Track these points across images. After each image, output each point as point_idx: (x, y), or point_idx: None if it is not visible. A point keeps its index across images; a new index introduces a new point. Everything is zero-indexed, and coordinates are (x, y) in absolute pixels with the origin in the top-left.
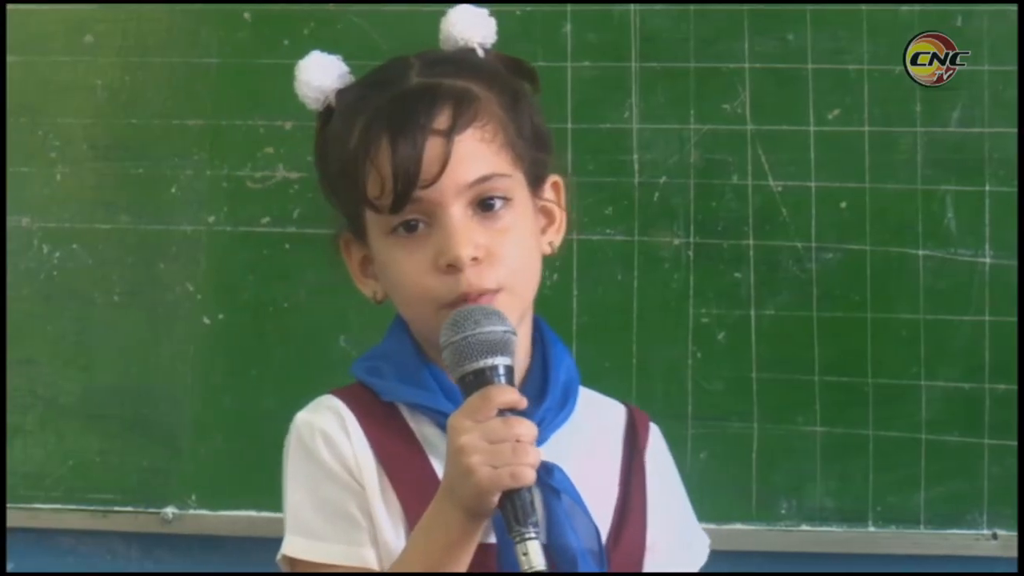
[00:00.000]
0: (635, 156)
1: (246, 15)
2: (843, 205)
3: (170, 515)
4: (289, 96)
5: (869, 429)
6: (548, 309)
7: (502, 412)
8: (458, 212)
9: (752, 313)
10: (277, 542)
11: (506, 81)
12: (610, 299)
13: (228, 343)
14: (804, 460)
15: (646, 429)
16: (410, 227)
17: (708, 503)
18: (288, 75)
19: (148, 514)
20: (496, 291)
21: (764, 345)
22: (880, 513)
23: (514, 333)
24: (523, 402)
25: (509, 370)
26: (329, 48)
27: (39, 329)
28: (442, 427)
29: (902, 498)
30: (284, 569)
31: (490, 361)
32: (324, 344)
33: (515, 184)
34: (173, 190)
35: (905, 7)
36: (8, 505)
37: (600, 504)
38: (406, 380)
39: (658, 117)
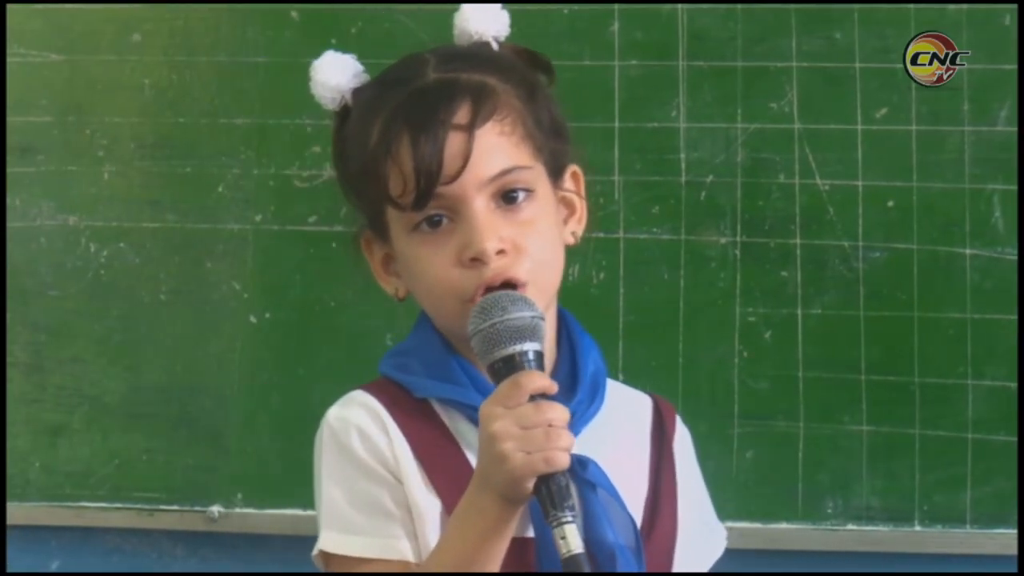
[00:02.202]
0: (682, 155)
1: (293, 14)
2: (890, 204)
3: (216, 514)
4: None
5: (916, 428)
6: (594, 307)
7: (533, 398)
8: (481, 205)
9: (799, 312)
10: None
11: (523, 73)
12: (657, 298)
13: (275, 342)
14: (850, 459)
15: (673, 419)
16: (433, 223)
17: (754, 502)
18: None
19: (194, 512)
20: (523, 284)
21: (811, 344)
22: (926, 512)
23: (542, 318)
24: (554, 387)
25: (539, 355)
26: (376, 47)
27: (86, 328)
28: (474, 421)
29: (948, 497)
30: (319, 566)
31: (519, 347)
32: (371, 343)
33: (536, 176)
34: (220, 189)
35: (953, 6)
36: (54, 503)
37: (631, 497)
38: (436, 376)
39: (705, 116)
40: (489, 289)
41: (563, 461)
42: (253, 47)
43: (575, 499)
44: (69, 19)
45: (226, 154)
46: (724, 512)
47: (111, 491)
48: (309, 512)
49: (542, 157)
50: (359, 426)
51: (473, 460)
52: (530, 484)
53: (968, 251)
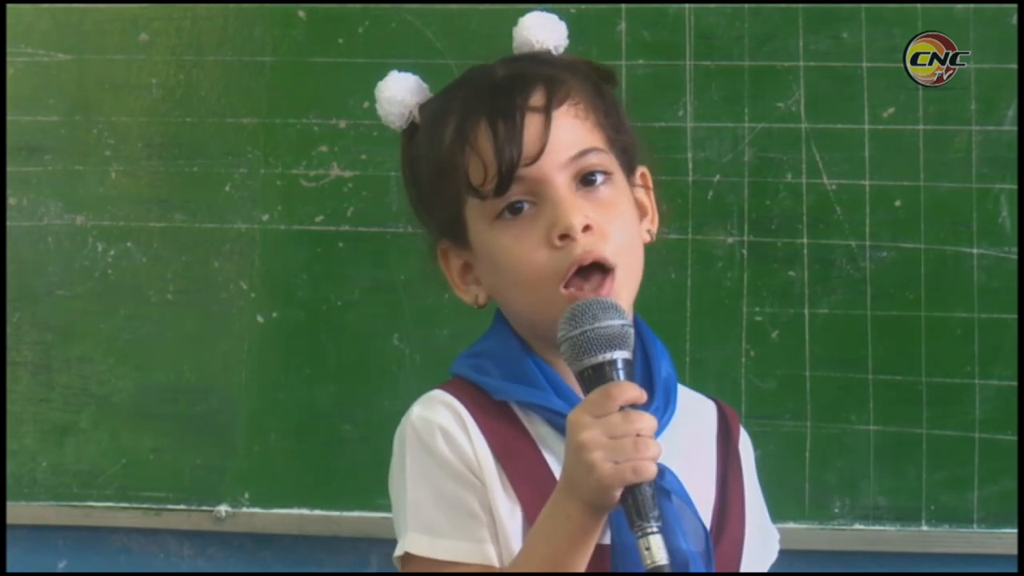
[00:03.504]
0: (689, 154)
1: (300, 13)
2: (897, 203)
3: (223, 513)
4: (343, 94)
5: (923, 428)
6: None
7: (622, 408)
8: (563, 184)
9: (806, 312)
10: (329, 540)
11: (587, 73)
12: (664, 297)
13: (282, 341)
14: (857, 459)
15: (737, 425)
16: (515, 209)
17: None
18: (342, 73)
19: (201, 512)
20: (612, 266)
21: (818, 344)
22: (933, 512)
23: (631, 326)
24: (643, 397)
25: (627, 364)
26: (383, 47)
27: (93, 327)
28: (554, 425)
29: (955, 497)
30: (399, 568)
31: (609, 355)
32: (377, 343)
33: (612, 161)
34: (227, 188)
35: (960, 5)
36: (62, 503)
37: (701, 503)
38: (514, 378)
39: (712, 115)
40: (580, 269)
41: (651, 471)
42: (260, 46)
43: (659, 509)
44: (76, 19)
45: (233, 153)
46: None
47: (118, 491)
48: (316, 512)
49: (614, 149)
50: (443, 426)
51: (553, 463)
52: (617, 493)
53: (975, 251)
